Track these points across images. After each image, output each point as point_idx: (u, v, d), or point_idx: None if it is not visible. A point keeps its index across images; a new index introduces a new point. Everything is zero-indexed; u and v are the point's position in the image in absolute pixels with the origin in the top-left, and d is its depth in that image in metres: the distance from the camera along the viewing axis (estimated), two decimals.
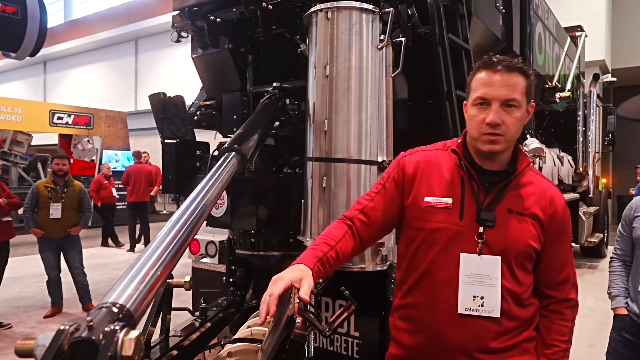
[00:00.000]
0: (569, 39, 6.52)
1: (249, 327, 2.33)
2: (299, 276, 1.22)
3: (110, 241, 10.04)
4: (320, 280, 1.91)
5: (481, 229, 1.36)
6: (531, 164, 1.48)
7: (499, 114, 1.33)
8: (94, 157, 14.09)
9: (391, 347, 1.52)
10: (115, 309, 0.85)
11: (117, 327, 0.76)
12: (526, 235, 1.37)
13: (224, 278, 3.04)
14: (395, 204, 1.50)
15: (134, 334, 0.74)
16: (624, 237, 2.49)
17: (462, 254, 1.36)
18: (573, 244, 6.47)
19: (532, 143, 3.61)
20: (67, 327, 0.78)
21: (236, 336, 2.17)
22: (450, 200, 1.40)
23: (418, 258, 1.44)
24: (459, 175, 1.43)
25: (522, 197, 1.40)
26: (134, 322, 0.84)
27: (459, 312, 1.34)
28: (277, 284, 1.18)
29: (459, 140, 1.48)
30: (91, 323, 0.78)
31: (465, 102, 1.46)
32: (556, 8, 5.83)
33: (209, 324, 2.28)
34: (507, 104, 1.34)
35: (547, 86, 5.29)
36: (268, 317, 1.12)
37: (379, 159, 2.43)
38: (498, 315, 1.34)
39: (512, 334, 1.37)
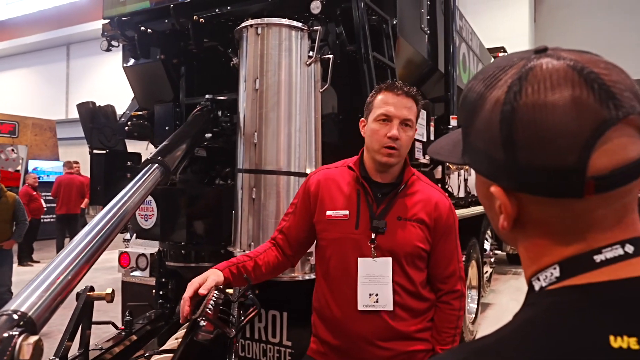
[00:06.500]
0: (492, 59, 6.98)
1: (177, 338, 2.30)
2: (205, 276, 1.40)
3: (32, 257, 9.40)
4: (239, 289, 1.94)
5: (374, 236, 1.55)
6: (413, 174, 1.66)
7: (398, 130, 1.54)
8: (18, 167, 13.24)
9: (312, 342, 1.71)
10: (15, 317, 0.85)
11: (15, 333, 0.76)
12: (414, 238, 1.57)
13: (154, 291, 2.99)
14: (306, 220, 1.68)
15: (32, 339, 0.75)
16: None
17: (359, 259, 1.55)
18: (499, 252, 6.88)
19: None
20: None
21: (163, 348, 2.15)
22: (347, 212, 1.60)
23: (326, 265, 1.62)
24: (355, 189, 1.62)
25: (410, 205, 1.59)
26: (36, 329, 0.84)
27: (359, 308, 1.54)
28: (188, 288, 1.33)
29: (357, 158, 1.67)
30: None
31: (362, 119, 1.65)
32: (482, 28, 6.22)
33: (134, 337, 2.24)
34: (405, 122, 1.56)
35: None
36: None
37: (308, 171, 2.50)
38: (391, 308, 1.53)
39: (408, 323, 1.56)
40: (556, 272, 0.53)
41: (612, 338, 0.46)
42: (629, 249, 0.51)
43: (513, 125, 0.51)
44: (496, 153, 0.53)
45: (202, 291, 1.33)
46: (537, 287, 0.54)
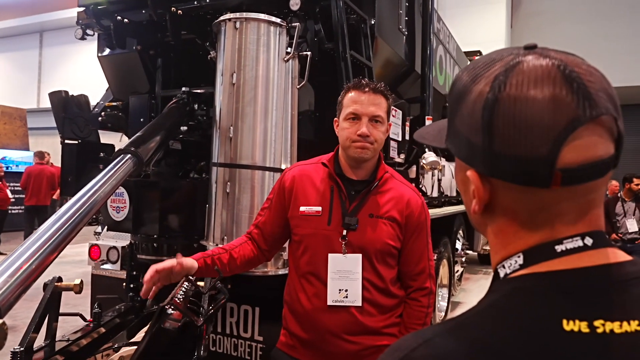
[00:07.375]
0: (468, 62, 7.09)
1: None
2: (178, 260, 1.43)
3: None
4: (210, 280, 1.95)
5: (345, 232, 1.57)
6: (387, 172, 1.69)
7: (368, 127, 1.55)
8: None
9: (282, 335, 1.72)
10: None
11: None
12: (384, 235, 1.59)
13: (124, 284, 2.95)
14: (281, 215, 1.70)
15: None
16: None
17: (329, 254, 1.57)
18: (470, 252, 7.02)
19: (430, 157, 3.89)
20: None
21: (132, 340, 2.13)
22: (320, 208, 1.62)
23: (298, 260, 1.64)
24: (329, 186, 1.64)
25: (382, 202, 1.62)
26: (0, 313, 0.84)
27: (328, 303, 1.56)
28: (159, 263, 1.40)
29: (332, 154, 1.69)
30: None
31: (335, 118, 1.67)
32: (460, 31, 6.33)
33: (102, 329, 2.21)
34: (375, 119, 1.58)
35: (447, 105, 5.70)
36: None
37: (283, 166, 2.52)
38: (360, 304, 1.56)
39: (376, 318, 1.59)
40: (520, 260, 0.56)
41: (565, 322, 0.50)
42: (588, 241, 0.55)
43: (494, 113, 0.54)
44: (475, 138, 0.56)
45: (169, 263, 1.39)
46: (501, 274, 0.58)
